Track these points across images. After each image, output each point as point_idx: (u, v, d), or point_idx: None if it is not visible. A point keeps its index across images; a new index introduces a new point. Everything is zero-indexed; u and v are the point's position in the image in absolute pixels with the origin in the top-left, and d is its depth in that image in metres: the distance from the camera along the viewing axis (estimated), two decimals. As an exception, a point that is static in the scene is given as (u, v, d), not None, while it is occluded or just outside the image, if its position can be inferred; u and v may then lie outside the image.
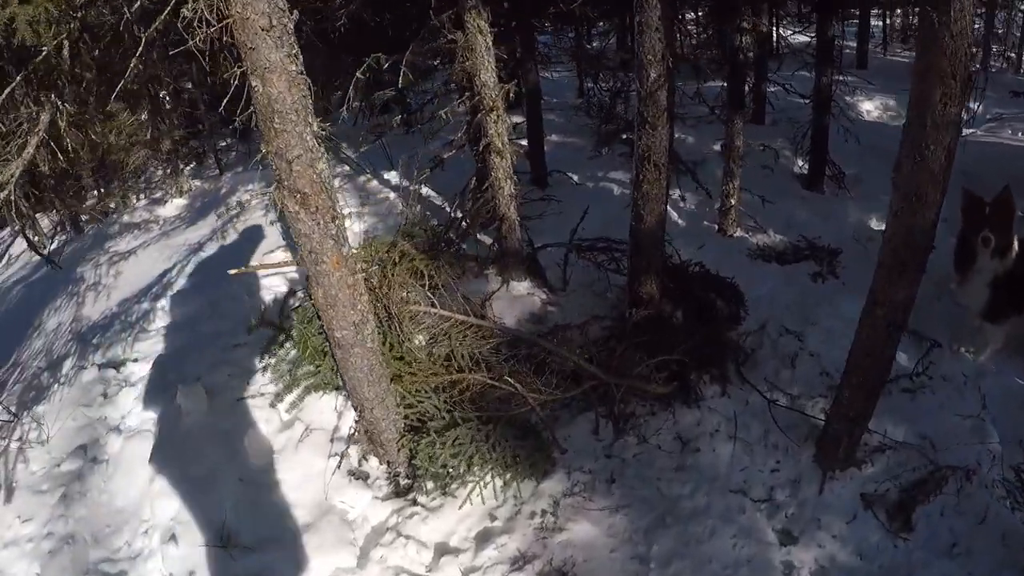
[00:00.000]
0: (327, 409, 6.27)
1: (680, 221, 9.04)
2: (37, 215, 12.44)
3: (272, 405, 6.13)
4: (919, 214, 4.46)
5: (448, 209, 8.97)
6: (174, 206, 11.54)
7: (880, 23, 17.14)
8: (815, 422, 6.04)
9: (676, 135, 10.81)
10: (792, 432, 6.05)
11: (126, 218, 11.54)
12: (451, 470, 5.46)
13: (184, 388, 6.46)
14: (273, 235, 9.26)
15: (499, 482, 5.49)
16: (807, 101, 9.67)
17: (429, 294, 6.44)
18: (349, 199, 9.82)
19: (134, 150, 11.21)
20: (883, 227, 8.77)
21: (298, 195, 4.42)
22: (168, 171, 11.99)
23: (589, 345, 6.82)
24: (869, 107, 12.39)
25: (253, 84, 4.05)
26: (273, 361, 6.06)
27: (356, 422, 5.85)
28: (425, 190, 9.64)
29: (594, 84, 12.08)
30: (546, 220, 8.99)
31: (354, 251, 6.20)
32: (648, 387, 5.97)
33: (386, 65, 6.88)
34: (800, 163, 10.23)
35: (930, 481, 5.48)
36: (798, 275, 7.86)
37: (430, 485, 5.61)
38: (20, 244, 11.82)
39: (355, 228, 8.96)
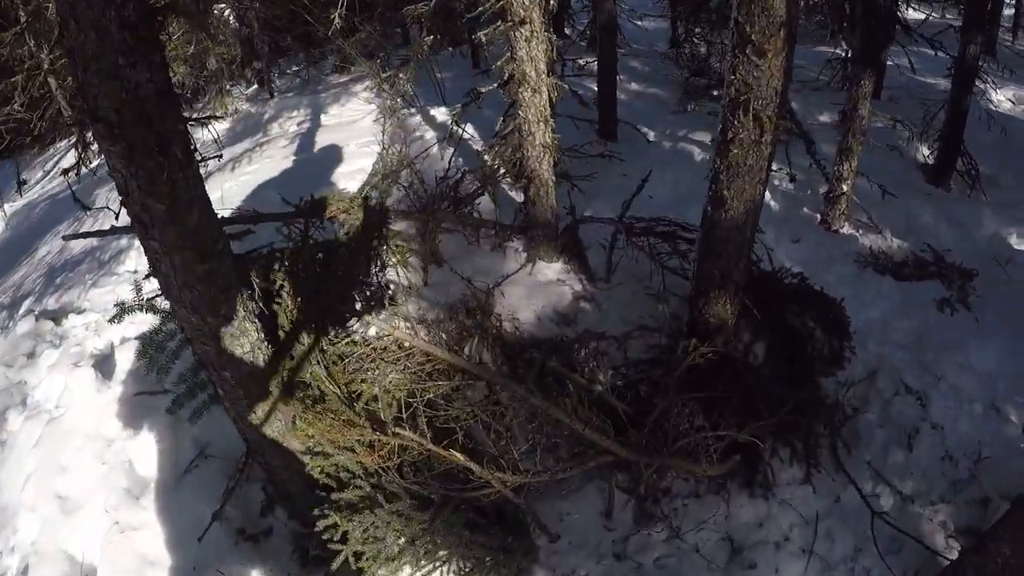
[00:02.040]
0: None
1: (771, 203, 6.06)
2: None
3: (170, 411, 3.70)
4: None
5: (488, 156, 6.26)
6: (216, 129, 9.12)
7: (1012, 10, 12.96)
8: (934, 553, 3.51)
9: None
10: (896, 558, 3.52)
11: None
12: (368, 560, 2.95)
13: (77, 368, 4.20)
14: (289, 170, 6.70)
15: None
16: (949, 73, 6.37)
17: (406, 279, 3.85)
18: (365, 134, 7.13)
19: (174, 66, 8.72)
20: None
21: (100, 123, 2.19)
22: (216, 91, 9.53)
23: (628, 369, 4.18)
24: (1001, 97, 8.90)
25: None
26: (161, 357, 3.60)
27: (242, 465, 3.38)
28: (469, 131, 6.89)
29: (688, 30, 8.87)
30: (605, 183, 6.21)
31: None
32: (695, 469, 3.29)
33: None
34: (925, 151, 7.02)
35: None
36: (920, 298, 4.97)
37: (346, 565, 3.13)
38: (70, 158, 9.52)
39: (352, 164, 6.31)
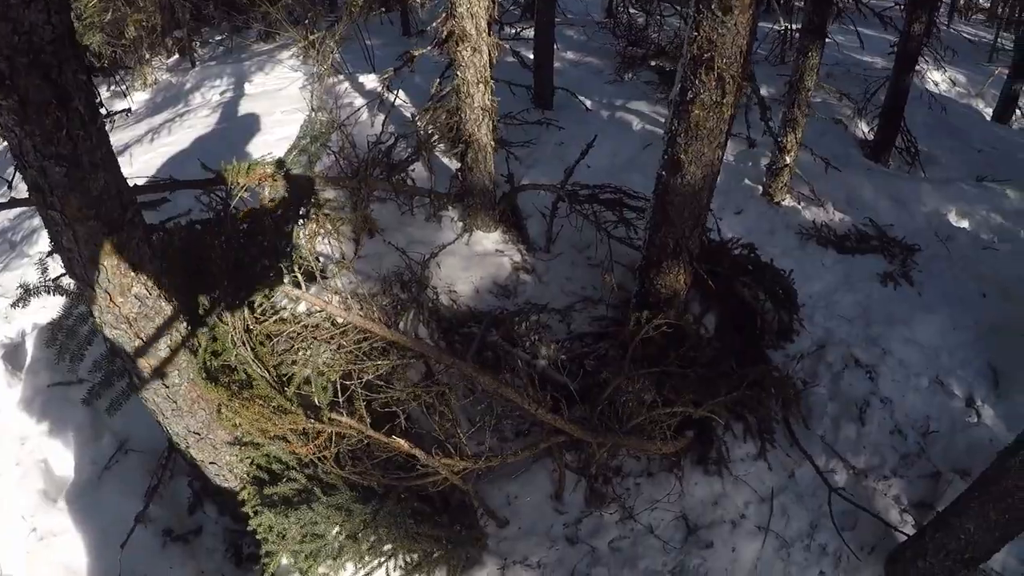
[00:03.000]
0: (156, 418, 3.50)
1: (712, 174, 6.04)
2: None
3: (87, 402, 3.33)
4: None
5: (420, 123, 6.02)
6: (133, 100, 8.48)
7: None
8: (889, 527, 3.54)
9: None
10: (851, 534, 3.54)
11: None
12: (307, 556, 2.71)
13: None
14: (211, 140, 6.22)
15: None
16: (892, 51, 6.48)
17: (336, 250, 3.60)
18: (290, 101, 6.76)
19: (89, 34, 8.04)
20: (965, 224, 6.10)
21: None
22: (134, 61, 8.86)
23: (572, 343, 4.06)
24: (937, 78, 9.16)
25: None
26: (72, 343, 3.23)
27: (164, 461, 3.09)
28: (401, 97, 6.62)
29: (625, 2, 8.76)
30: (543, 151, 6.06)
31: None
32: (650, 447, 3.20)
33: None
34: (865, 127, 7.12)
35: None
36: (862, 272, 5.02)
37: (284, 562, 2.88)
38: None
39: (276, 132, 5.95)
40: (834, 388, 4.11)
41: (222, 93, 7.75)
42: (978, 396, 4.18)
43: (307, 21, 8.13)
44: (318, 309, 2.89)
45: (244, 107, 6.89)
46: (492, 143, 4.63)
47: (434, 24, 4.73)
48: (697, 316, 3.97)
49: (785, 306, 4.26)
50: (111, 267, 2.29)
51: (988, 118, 8.29)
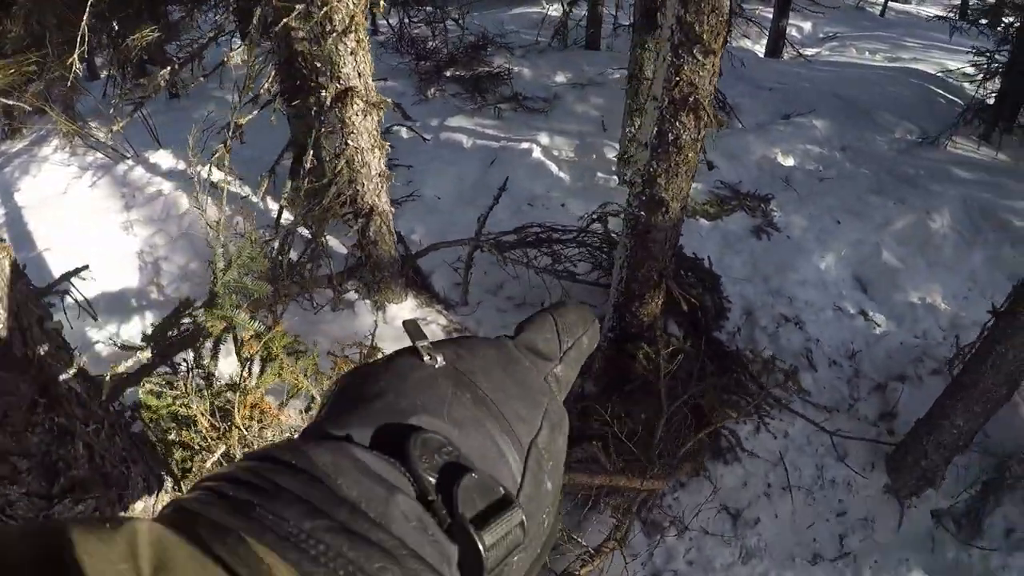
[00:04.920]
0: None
1: (563, 175, 6.44)
2: None
3: None
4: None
5: (262, 203, 5.72)
6: None
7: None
8: (877, 443, 4.24)
9: (507, 66, 8.08)
10: (849, 460, 4.22)
11: None
12: None
13: None
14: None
15: None
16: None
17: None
18: (109, 201, 6.04)
19: None
20: (792, 162, 7.00)
21: None
22: None
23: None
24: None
25: None
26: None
27: None
28: (217, 174, 6.11)
29: (403, 15, 8.69)
30: (401, 195, 5.99)
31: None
32: (695, 463, 3.55)
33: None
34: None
35: (994, 482, 4.03)
36: (736, 233, 5.75)
37: None
38: None
39: (125, 246, 5.35)
40: (776, 346, 4.73)
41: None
42: (866, 307, 5.03)
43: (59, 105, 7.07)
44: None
45: (33, 225, 5.86)
46: (392, 209, 4.57)
47: (265, 85, 4.54)
48: (663, 329, 4.34)
49: (715, 291, 4.78)
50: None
51: (761, 55, 9.58)
